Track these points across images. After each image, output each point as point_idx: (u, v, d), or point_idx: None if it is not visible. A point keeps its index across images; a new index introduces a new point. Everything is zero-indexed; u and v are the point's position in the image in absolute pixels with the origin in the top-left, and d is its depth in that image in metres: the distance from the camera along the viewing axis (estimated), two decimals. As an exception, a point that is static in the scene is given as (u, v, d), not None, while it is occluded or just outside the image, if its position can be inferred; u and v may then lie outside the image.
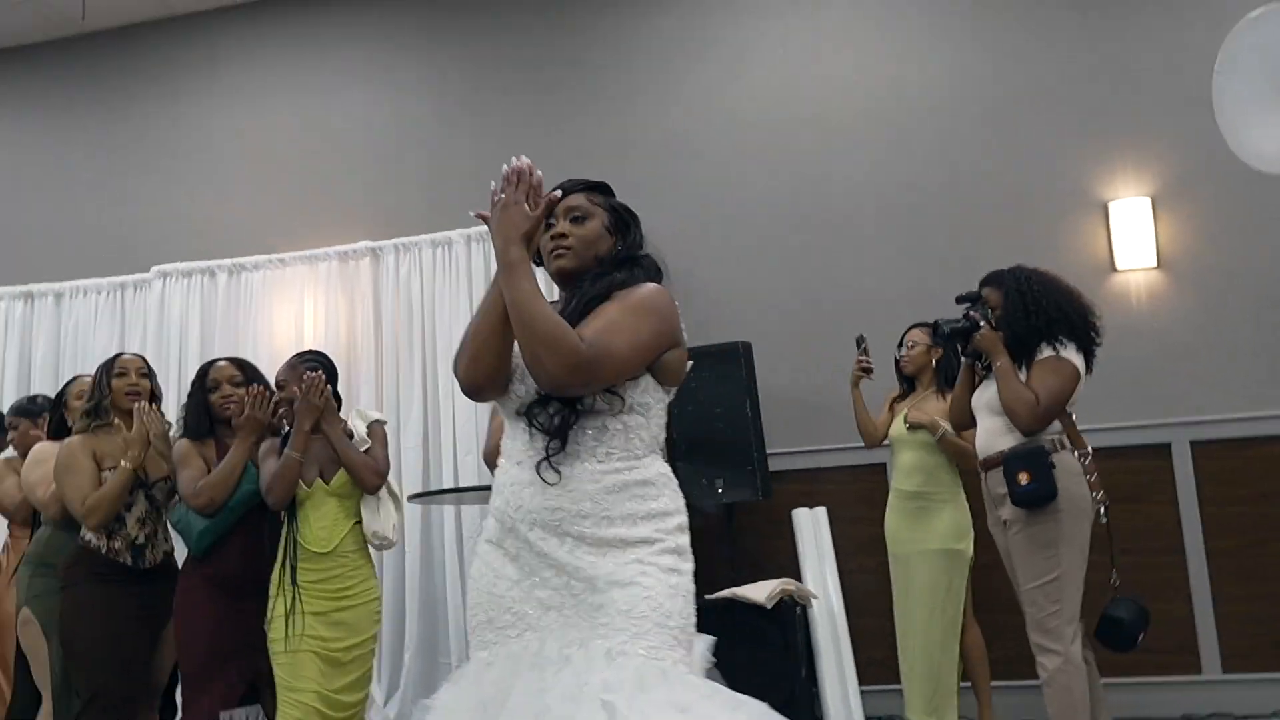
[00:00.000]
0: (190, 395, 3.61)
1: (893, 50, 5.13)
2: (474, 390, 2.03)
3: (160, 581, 3.46)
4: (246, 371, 3.61)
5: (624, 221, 2.15)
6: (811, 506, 4.84)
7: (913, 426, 4.06)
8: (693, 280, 5.19)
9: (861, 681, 4.64)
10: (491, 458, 2.88)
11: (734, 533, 4.73)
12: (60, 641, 3.42)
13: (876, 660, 4.74)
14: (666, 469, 2.03)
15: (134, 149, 6.08)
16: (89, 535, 3.42)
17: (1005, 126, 4.95)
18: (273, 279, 5.49)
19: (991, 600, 4.41)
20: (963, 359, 3.91)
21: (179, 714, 3.52)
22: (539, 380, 1.91)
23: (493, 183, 1.98)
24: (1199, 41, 4.60)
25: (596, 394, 1.93)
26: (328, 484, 3.33)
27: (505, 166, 1.98)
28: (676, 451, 4.65)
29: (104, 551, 3.41)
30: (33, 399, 4.34)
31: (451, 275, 5.25)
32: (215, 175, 5.92)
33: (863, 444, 4.43)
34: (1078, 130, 4.84)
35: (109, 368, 3.64)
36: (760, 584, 4.34)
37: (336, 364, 5.26)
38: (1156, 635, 4.48)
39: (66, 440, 3.55)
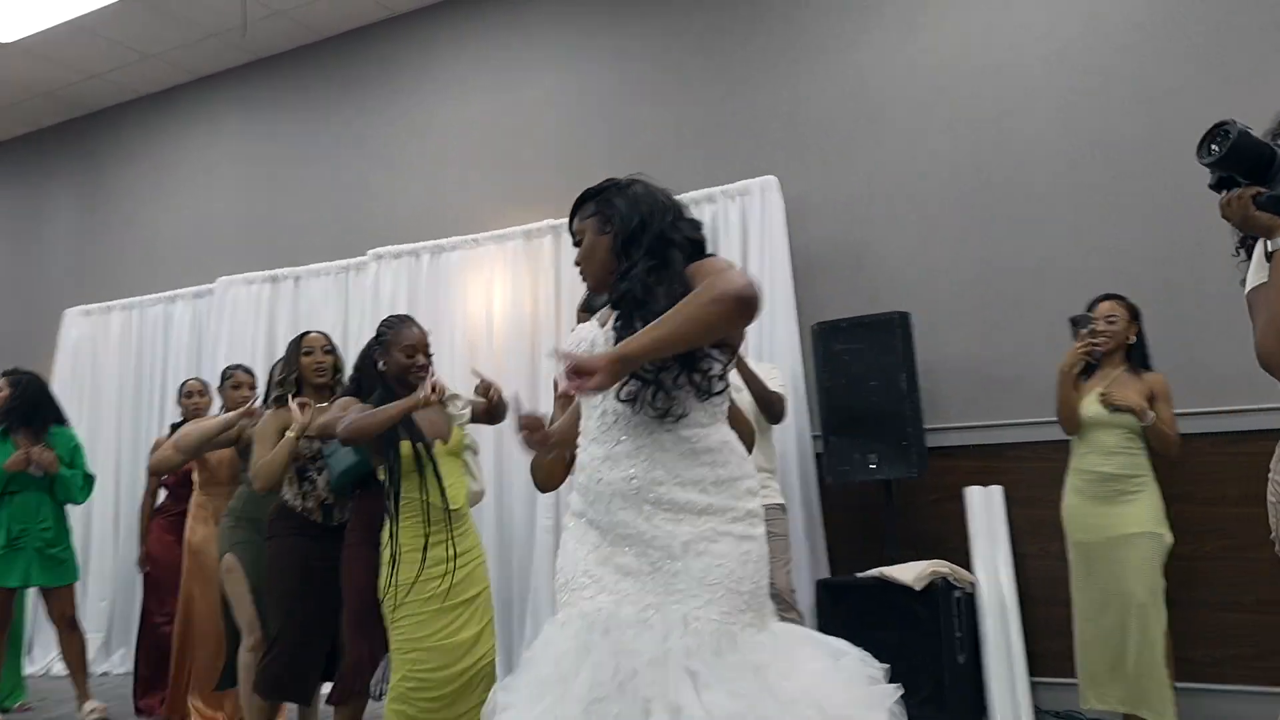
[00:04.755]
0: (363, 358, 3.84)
1: (1086, -12, 4.66)
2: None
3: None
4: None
5: (607, 214, 2.14)
6: (986, 485, 4.57)
7: (1116, 408, 3.75)
8: (865, 249, 5.01)
9: (1034, 673, 4.35)
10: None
11: (895, 510, 4.53)
12: (265, 586, 3.85)
13: (1052, 651, 4.39)
14: (731, 436, 2.09)
15: (358, 143, 6.66)
16: (287, 494, 3.79)
17: (1218, 62, 4.37)
18: (468, 258, 5.84)
19: (1210, 594, 3.97)
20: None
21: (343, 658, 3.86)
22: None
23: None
24: None
25: (661, 365, 1.99)
26: (446, 444, 3.45)
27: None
28: (829, 425, 4.53)
29: (299, 510, 3.78)
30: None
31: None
32: (424, 163, 6.36)
33: (1056, 421, 4.08)
34: (1306, 62, 4.20)
35: (297, 345, 4.00)
36: (910, 564, 4.18)
37: (522, 336, 5.61)
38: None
39: (265, 414, 3.93)
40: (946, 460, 4.64)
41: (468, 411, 3.59)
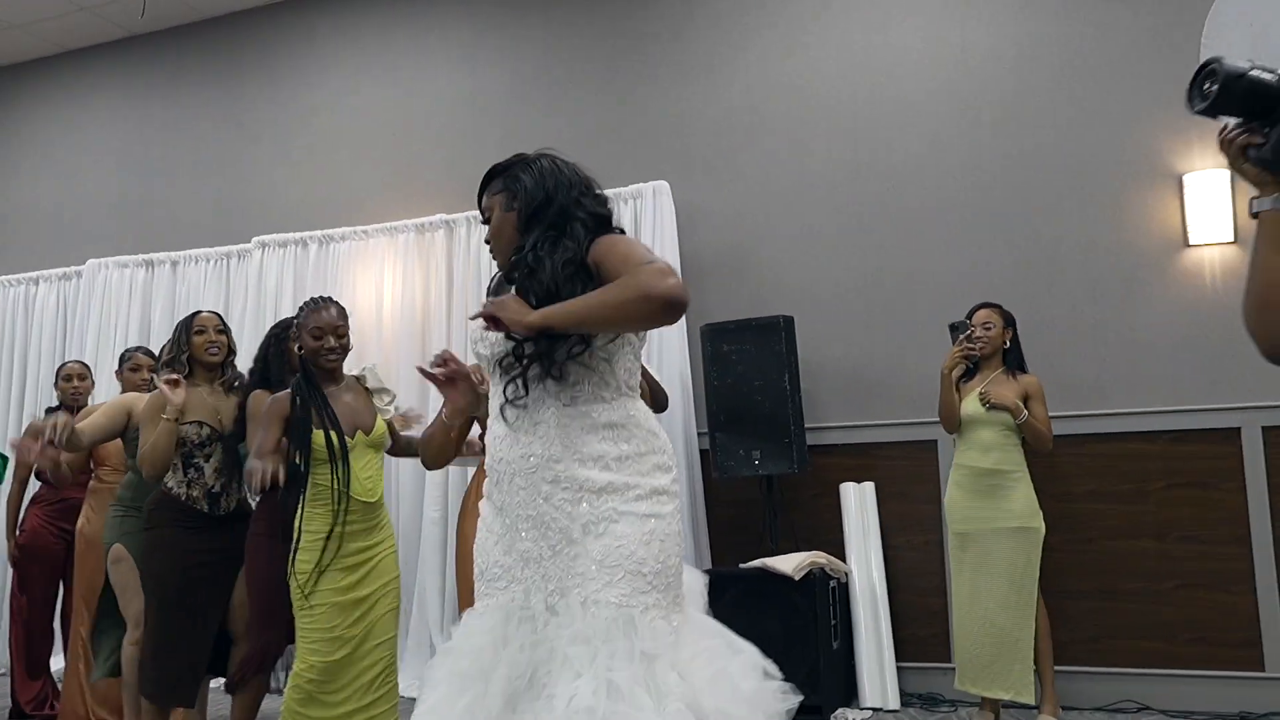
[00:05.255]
0: (266, 349, 3.81)
1: (959, 19, 4.98)
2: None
3: (235, 527, 3.67)
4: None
5: (512, 190, 2.08)
6: (860, 481, 4.85)
7: (994, 407, 4.04)
8: (749, 254, 5.22)
9: (901, 658, 4.65)
10: None
11: (775, 505, 4.77)
12: (141, 579, 3.70)
13: (919, 637, 4.72)
14: (639, 410, 2.03)
15: (240, 128, 6.52)
16: (170, 482, 3.64)
17: (1075, 96, 4.75)
18: (357, 249, 5.80)
19: (1056, 583, 4.32)
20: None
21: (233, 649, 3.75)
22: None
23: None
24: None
25: (558, 339, 1.93)
26: (368, 435, 3.42)
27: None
28: (715, 422, 4.72)
29: (183, 499, 3.65)
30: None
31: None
32: (310, 151, 6.28)
33: (932, 422, 4.35)
34: (1151, 99, 4.60)
35: (188, 325, 3.84)
36: (790, 555, 4.40)
37: (412, 330, 5.58)
38: (1219, 628, 4.33)
39: (150, 395, 3.78)
40: (825, 458, 4.91)
41: (393, 408, 3.57)
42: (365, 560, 3.35)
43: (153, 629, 3.60)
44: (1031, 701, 3.98)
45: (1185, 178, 4.53)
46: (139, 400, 3.94)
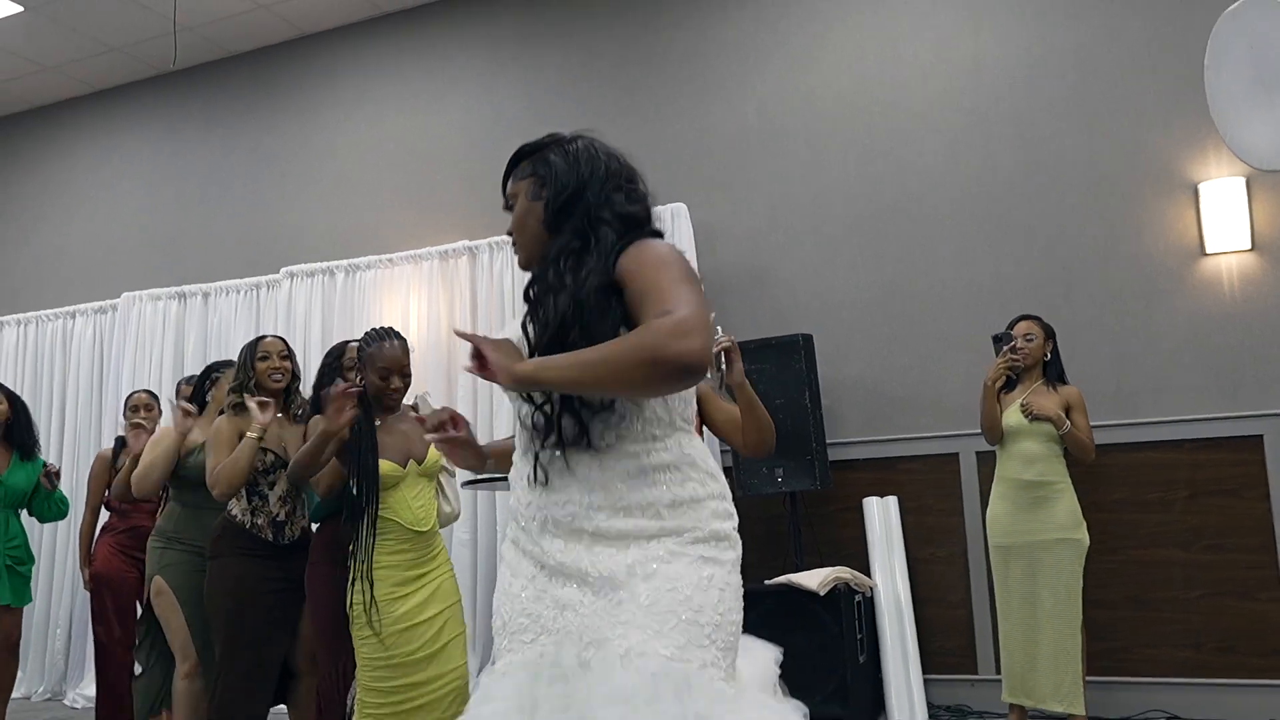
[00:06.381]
0: (321, 377, 3.69)
1: (971, 29, 5.03)
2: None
3: (300, 555, 3.59)
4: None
5: (541, 176, 1.81)
6: (883, 495, 4.89)
7: (1036, 418, 4.06)
8: (767, 272, 5.29)
9: (927, 671, 4.67)
10: None
11: (799, 521, 4.81)
12: (206, 610, 3.64)
13: (946, 649, 4.75)
14: (696, 449, 1.74)
15: (267, 161, 6.67)
16: (235, 510, 3.59)
17: (1089, 105, 4.78)
18: (383, 277, 5.93)
19: (1086, 593, 4.31)
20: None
21: (297, 680, 3.71)
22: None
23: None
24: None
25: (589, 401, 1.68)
26: (421, 464, 3.35)
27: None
28: (738, 441, 4.77)
29: (248, 527, 3.58)
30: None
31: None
32: (336, 182, 6.42)
33: (977, 433, 4.32)
34: (1166, 108, 4.63)
35: (253, 350, 3.77)
36: (815, 571, 4.44)
37: (439, 358, 5.65)
38: (1246, 636, 4.32)
39: (217, 419, 3.69)
40: (847, 473, 4.95)
41: None
42: (422, 586, 3.28)
43: (221, 660, 3.53)
44: (1083, 712, 3.97)
45: (1201, 186, 4.55)
46: (169, 431, 3.97)
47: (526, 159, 1.85)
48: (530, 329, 1.71)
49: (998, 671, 4.30)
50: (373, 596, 3.18)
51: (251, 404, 3.55)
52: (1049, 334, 4.24)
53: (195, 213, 6.85)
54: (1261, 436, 4.39)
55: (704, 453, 1.76)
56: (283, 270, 6.22)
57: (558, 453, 1.70)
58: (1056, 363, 4.23)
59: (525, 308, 1.77)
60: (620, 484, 1.67)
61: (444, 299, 5.75)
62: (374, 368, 3.33)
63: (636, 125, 5.64)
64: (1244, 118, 2.79)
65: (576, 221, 1.74)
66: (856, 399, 5.04)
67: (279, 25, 6.49)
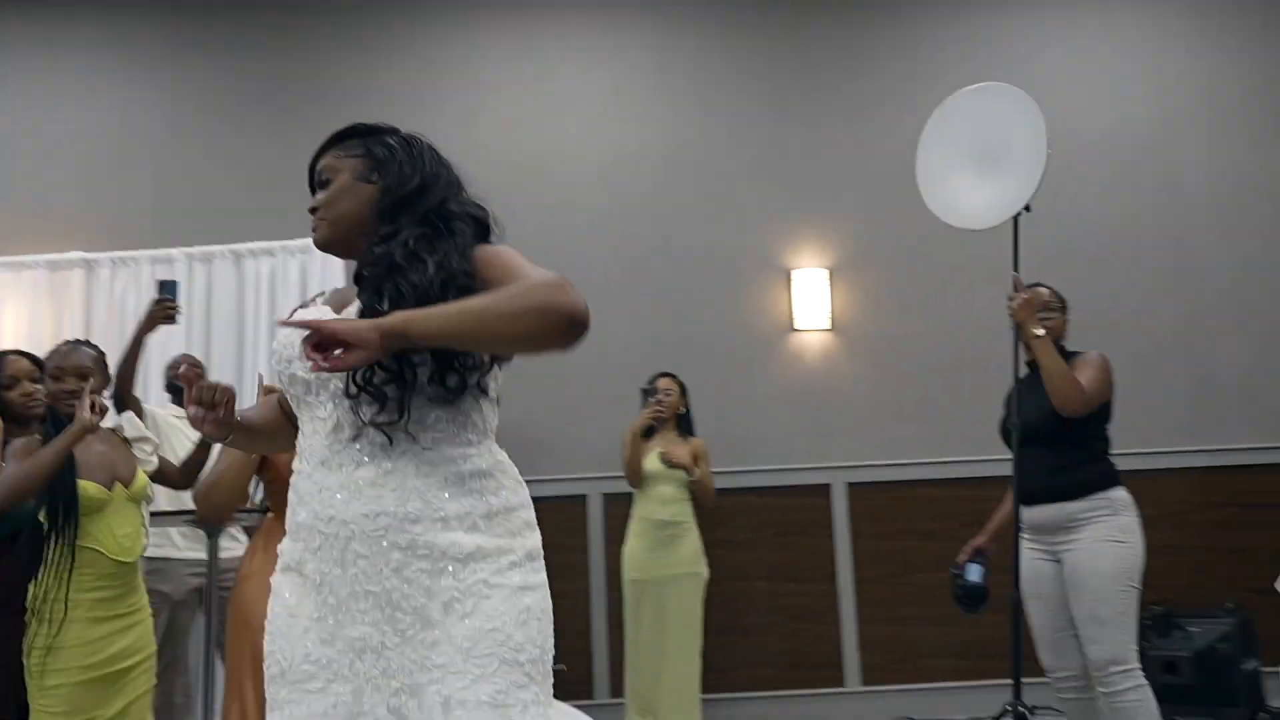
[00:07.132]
0: None
1: (615, 117, 5.58)
2: None
3: None
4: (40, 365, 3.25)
5: (379, 160, 1.71)
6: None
7: (673, 465, 4.55)
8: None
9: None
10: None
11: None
12: None
13: (565, 678, 5.09)
14: (503, 456, 1.68)
15: None
16: None
17: (711, 198, 5.50)
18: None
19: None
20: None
21: None
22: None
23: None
24: (876, 137, 5.38)
25: (430, 367, 1.57)
26: (128, 488, 3.04)
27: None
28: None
29: None
30: None
31: (171, 294, 5.18)
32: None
33: (577, 477, 4.94)
34: (770, 204, 5.47)
35: None
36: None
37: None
38: (808, 653, 5.14)
39: None
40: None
41: (155, 459, 3.23)
42: (120, 630, 2.94)
43: None
44: None
45: (794, 273, 5.41)
46: None
47: (359, 137, 1.75)
48: (383, 305, 1.56)
49: (614, 696, 4.75)
50: (55, 641, 2.81)
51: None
52: (683, 390, 4.81)
53: None
54: (829, 485, 5.28)
55: (508, 460, 1.70)
56: None
57: (367, 459, 1.57)
58: (688, 416, 4.81)
59: (357, 291, 1.65)
60: (439, 492, 1.57)
61: (49, 315, 5.20)
62: (48, 369, 3.07)
63: (289, 150, 5.47)
64: (952, 187, 3.42)
65: (420, 214, 1.66)
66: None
67: None
